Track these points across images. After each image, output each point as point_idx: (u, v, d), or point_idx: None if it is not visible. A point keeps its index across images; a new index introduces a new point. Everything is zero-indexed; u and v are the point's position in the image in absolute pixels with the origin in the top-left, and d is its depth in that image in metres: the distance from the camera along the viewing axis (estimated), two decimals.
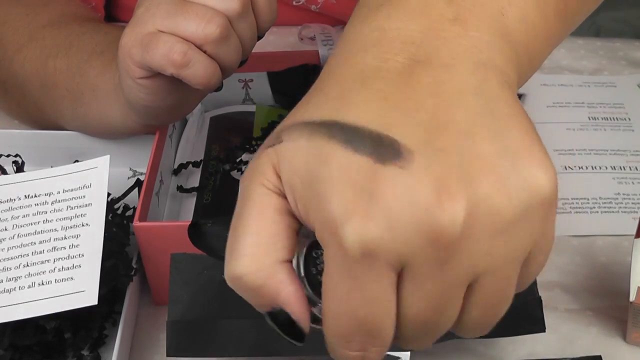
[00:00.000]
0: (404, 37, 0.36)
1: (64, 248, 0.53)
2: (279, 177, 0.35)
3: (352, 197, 0.32)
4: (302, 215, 0.35)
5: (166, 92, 0.55)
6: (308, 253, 0.37)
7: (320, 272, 0.36)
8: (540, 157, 0.34)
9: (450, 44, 0.36)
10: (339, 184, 0.33)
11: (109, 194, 0.57)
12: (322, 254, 0.35)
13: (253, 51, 0.60)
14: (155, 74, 0.54)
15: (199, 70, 0.52)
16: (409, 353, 0.49)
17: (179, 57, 0.51)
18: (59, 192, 0.56)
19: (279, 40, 0.65)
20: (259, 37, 0.56)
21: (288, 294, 0.36)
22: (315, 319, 0.37)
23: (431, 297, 0.34)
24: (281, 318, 0.36)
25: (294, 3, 0.79)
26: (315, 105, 0.36)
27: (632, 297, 0.53)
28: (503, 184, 0.33)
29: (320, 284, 0.35)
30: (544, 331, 0.51)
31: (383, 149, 0.33)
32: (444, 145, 0.33)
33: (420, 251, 0.33)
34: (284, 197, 0.35)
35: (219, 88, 0.55)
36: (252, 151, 0.65)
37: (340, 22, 0.82)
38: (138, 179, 0.62)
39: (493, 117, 0.34)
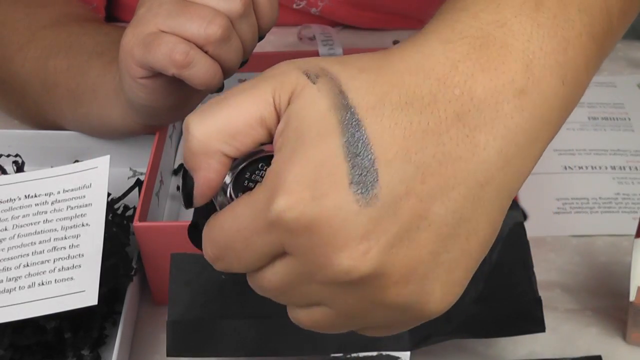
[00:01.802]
0: (466, 88, 0.37)
1: (64, 248, 0.53)
2: (289, 102, 0.37)
3: (307, 184, 0.35)
4: (276, 144, 0.37)
5: (167, 92, 0.55)
6: (258, 160, 0.39)
7: (251, 181, 0.38)
8: (449, 290, 0.38)
9: (499, 122, 0.37)
10: (310, 165, 0.35)
11: (109, 194, 0.57)
12: (263, 174, 0.38)
13: (253, 51, 0.60)
14: (156, 74, 0.54)
15: (200, 70, 0.52)
16: (409, 353, 0.50)
17: (181, 57, 0.51)
18: (59, 192, 0.56)
19: (279, 41, 0.65)
20: (260, 38, 0.56)
21: (203, 176, 0.38)
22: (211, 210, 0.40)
23: (284, 285, 0.37)
24: (188, 184, 0.39)
25: (294, 6, 0.80)
26: (363, 85, 0.36)
27: (632, 297, 0.53)
28: (407, 278, 0.36)
29: (242, 187, 0.38)
30: (544, 331, 0.51)
31: (363, 179, 0.35)
32: (402, 213, 0.35)
33: (308, 262, 0.35)
34: (277, 115, 0.37)
35: (220, 89, 0.55)
36: None
37: (340, 25, 0.82)
38: (138, 179, 0.62)
39: (458, 226, 0.37)
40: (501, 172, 0.37)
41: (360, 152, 0.35)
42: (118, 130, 0.63)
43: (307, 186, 0.35)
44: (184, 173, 0.39)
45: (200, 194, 0.38)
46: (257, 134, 0.37)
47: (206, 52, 0.52)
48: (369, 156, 0.35)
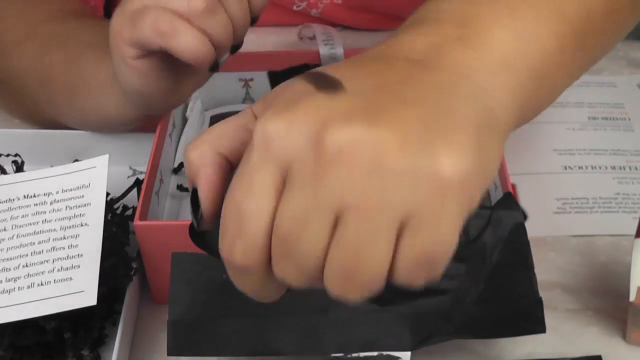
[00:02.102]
0: (409, 46, 0.42)
1: (63, 248, 0.53)
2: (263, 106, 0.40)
3: (282, 105, 0.37)
4: None
5: (159, 74, 0.55)
6: None
7: None
8: (457, 143, 0.36)
9: (446, 55, 0.41)
10: (280, 98, 0.38)
11: (108, 194, 0.57)
12: None
13: (253, 50, 0.60)
14: (147, 54, 0.54)
15: (187, 41, 0.52)
16: (409, 353, 0.50)
17: (165, 27, 0.51)
18: (57, 192, 0.56)
19: (280, 40, 0.65)
20: (253, 20, 0.56)
21: (203, 178, 0.39)
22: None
23: (298, 206, 0.35)
24: (194, 197, 0.39)
25: (294, 8, 0.80)
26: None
27: (632, 297, 0.53)
28: (403, 138, 0.35)
29: None
30: (545, 332, 0.51)
31: (328, 84, 0.37)
32: (375, 98, 0.36)
33: (303, 155, 0.35)
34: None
35: (214, 67, 0.54)
36: None
37: (340, 26, 0.82)
38: (137, 178, 0.61)
39: (438, 104, 0.37)
40: (469, 83, 0.40)
41: (319, 79, 0.37)
42: (115, 123, 0.63)
43: (282, 106, 0.36)
44: (191, 194, 0.40)
45: (205, 196, 0.39)
46: (243, 135, 0.39)
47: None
48: (327, 77, 0.37)
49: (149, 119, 0.63)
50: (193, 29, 0.52)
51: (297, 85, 0.38)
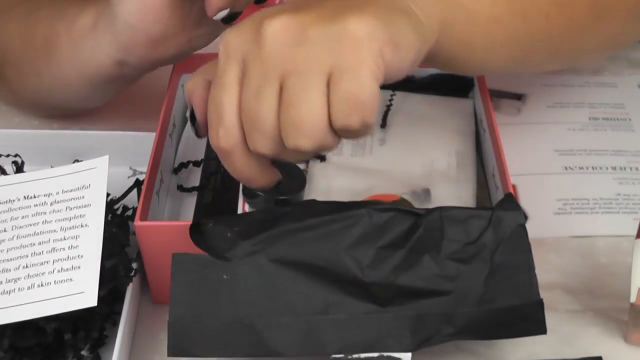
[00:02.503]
0: None
1: (63, 249, 0.53)
2: None
3: (246, 26, 0.47)
4: None
5: (159, 15, 0.57)
6: None
7: None
8: (361, 12, 0.45)
9: None
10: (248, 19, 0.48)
11: (108, 194, 0.57)
12: None
13: None
14: None
15: None
16: (410, 354, 0.49)
17: None
18: (58, 193, 0.56)
19: None
20: None
21: (196, 95, 0.51)
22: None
23: (253, 86, 0.46)
24: (192, 115, 0.51)
25: None
26: None
27: (632, 298, 0.53)
28: (318, 16, 0.45)
29: None
30: (545, 333, 0.51)
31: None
32: (304, 2, 0.47)
33: (249, 48, 0.46)
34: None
35: (229, 18, 0.57)
36: None
37: None
38: (137, 179, 0.61)
39: (355, 1, 0.47)
40: None
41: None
42: (89, 72, 0.63)
43: (236, 24, 0.48)
44: (190, 114, 0.52)
45: (198, 110, 0.51)
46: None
47: None
48: None
49: (128, 79, 0.64)
50: None
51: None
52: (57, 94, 0.67)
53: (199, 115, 0.51)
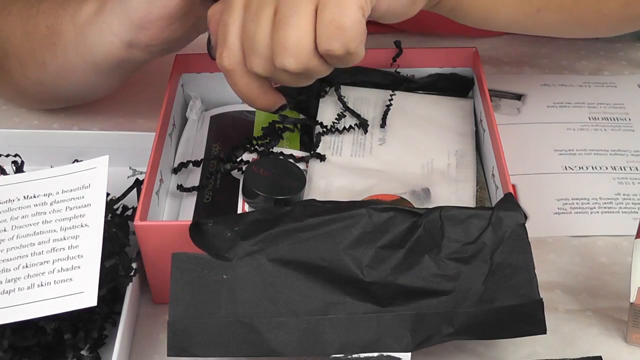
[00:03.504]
0: None
1: (63, 249, 0.53)
2: None
3: None
4: None
5: None
6: None
7: None
8: None
9: None
10: None
11: (108, 194, 0.57)
12: None
13: None
14: None
15: None
16: (409, 354, 0.49)
17: None
18: (57, 193, 0.56)
19: None
20: None
21: (213, 20, 0.54)
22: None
23: (253, 9, 0.51)
24: (208, 38, 0.56)
25: None
26: None
27: (632, 298, 0.53)
28: None
29: None
30: (545, 333, 0.51)
31: None
32: None
33: None
34: None
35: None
36: (253, 151, 0.65)
37: None
38: (137, 179, 0.61)
39: None
40: None
41: None
42: (96, 57, 0.63)
43: None
44: (208, 42, 0.56)
45: (213, 31, 0.54)
46: None
47: None
48: None
49: (134, 62, 0.64)
50: None
51: None
52: (62, 83, 0.67)
53: (213, 38, 0.54)
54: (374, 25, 0.82)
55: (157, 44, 0.62)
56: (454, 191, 0.62)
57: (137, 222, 0.54)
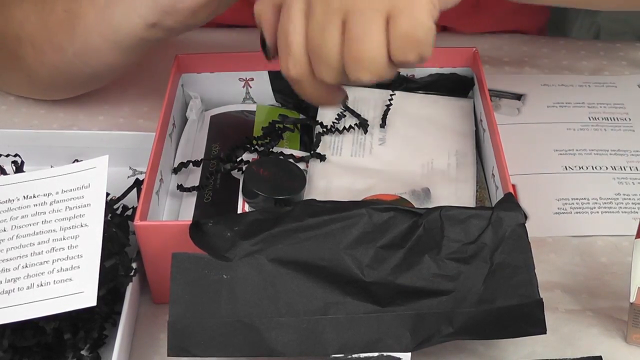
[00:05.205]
0: None
1: (63, 249, 0.53)
2: None
3: None
4: None
5: None
6: None
7: None
8: None
9: None
10: None
11: (108, 194, 0.57)
12: None
13: (253, 51, 0.60)
14: None
15: None
16: (409, 354, 0.49)
17: None
18: (57, 193, 0.56)
19: None
20: None
21: (265, 19, 0.55)
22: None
23: (318, 21, 0.50)
24: (262, 38, 0.55)
25: None
26: None
27: (632, 298, 0.53)
28: None
29: None
30: (545, 333, 0.51)
31: None
32: None
33: None
34: None
35: None
36: (253, 150, 0.65)
37: None
38: (137, 179, 0.61)
39: None
40: None
41: None
42: (118, 36, 0.64)
43: None
44: (261, 36, 0.55)
45: (266, 30, 0.54)
46: None
47: None
48: None
49: (150, 39, 0.64)
50: None
51: None
52: (80, 66, 0.67)
53: (268, 39, 0.55)
54: None
55: (180, 27, 0.64)
56: (454, 191, 0.62)
57: (137, 222, 0.54)
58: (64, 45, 0.66)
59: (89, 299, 0.50)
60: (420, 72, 0.71)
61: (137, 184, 0.60)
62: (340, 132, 0.67)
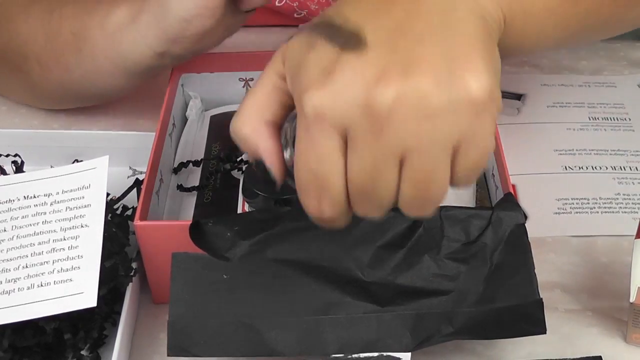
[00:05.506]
0: None
1: (63, 249, 0.53)
2: (284, 64, 0.45)
3: (316, 75, 0.41)
4: (291, 92, 0.44)
5: (215, 10, 0.58)
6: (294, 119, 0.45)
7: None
8: (477, 66, 0.42)
9: None
10: (310, 65, 0.42)
11: (108, 194, 0.57)
12: None
13: (253, 50, 0.60)
14: None
15: None
16: (409, 354, 0.49)
17: None
18: (57, 193, 0.56)
19: (279, 40, 0.65)
20: None
21: (265, 147, 0.46)
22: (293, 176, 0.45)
23: (367, 162, 0.42)
24: (261, 166, 0.46)
25: (295, 15, 0.80)
26: (323, 14, 0.45)
27: (632, 298, 0.53)
28: (434, 78, 0.41)
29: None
30: (545, 333, 0.51)
31: (350, 41, 0.41)
32: (398, 44, 0.41)
33: (357, 120, 0.41)
34: (284, 79, 0.45)
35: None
36: None
37: None
38: (137, 179, 0.61)
39: (447, 30, 0.42)
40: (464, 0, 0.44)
41: (339, 35, 0.42)
42: (127, 64, 0.63)
43: (316, 76, 0.41)
44: (256, 165, 0.46)
45: (271, 162, 0.46)
46: (278, 96, 0.45)
47: None
48: (347, 32, 0.42)
49: (162, 63, 0.63)
50: None
51: (319, 48, 0.42)
52: (87, 86, 0.67)
53: (275, 171, 0.46)
54: None
55: (188, 54, 0.63)
56: (454, 191, 0.62)
57: (137, 222, 0.54)
58: (71, 66, 0.66)
59: (89, 299, 0.50)
60: None
61: (137, 184, 0.60)
62: None
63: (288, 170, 0.46)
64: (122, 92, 0.69)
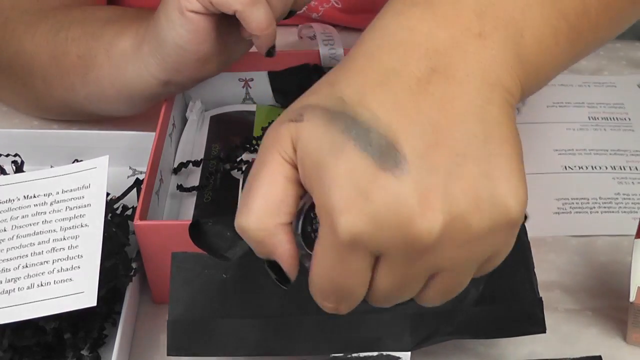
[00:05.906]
0: (430, 44, 0.41)
1: (63, 249, 0.53)
2: (295, 150, 0.41)
3: (352, 195, 0.38)
4: (307, 188, 0.41)
5: (209, 35, 0.57)
6: (307, 212, 0.42)
7: (315, 231, 0.42)
8: (515, 185, 0.40)
9: (469, 59, 0.41)
10: (343, 179, 0.38)
11: (108, 194, 0.57)
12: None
13: (253, 51, 0.60)
14: (206, 13, 0.55)
15: (261, 13, 0.54)
16: (409, 353, 0.49)
17: None
18: (58, 193, 0.56)
19: (279, 40, 0.65)
20: (291, 13, 0.59)
21: (282, 252, 0.42)
22: (304, 270, 0.43)
23: (398, 280, 0.41)
24: (275, 267, 0.43)
25: None
26: (339, 91, 0.41)
27: (632, 298, 0.53)
28: (478, 205, 0.39)
29: (313, 241, 0.41)
30: (545, 332, 0.51)
31: (386, 156, 0.38)
32: (437, 162, 0.39)
33: (397, 248, 0.39)
34: (296, 167, 0.41)
35: (271, 52, 0.57)
36: (253, 150, 0.65)
37: (340, 26, 0.82)
38: (137, 178, 0.61)
39: (486, 142, 0.40)
40: (495, 89, 0.41)
41: (371, 141, 0.38)
42: (132, 92, 0.63)
43: (352, 196, 0.38)
44: (267, 264, 0.43)
45: (289, 266, 0.42)
46: (293, 191, 0.41)
47: None
48: (380, 140, 0.38)
49: (164, 94, 0.63)
50: (267, 4, 0.54)
51: (351, 159, 0.38)
52: (90, 107, 0.67)
53: (291, 273, 0.43)
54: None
55: (193, 82, 0.63)
56: None
57: (137, 221, 0.54)
58: (76, 87, 0.65)
59: (89, 299, 0.50)
60: None
61: (137, 184, 0.61)
62: None
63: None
64: (127, 115, 0.69)
